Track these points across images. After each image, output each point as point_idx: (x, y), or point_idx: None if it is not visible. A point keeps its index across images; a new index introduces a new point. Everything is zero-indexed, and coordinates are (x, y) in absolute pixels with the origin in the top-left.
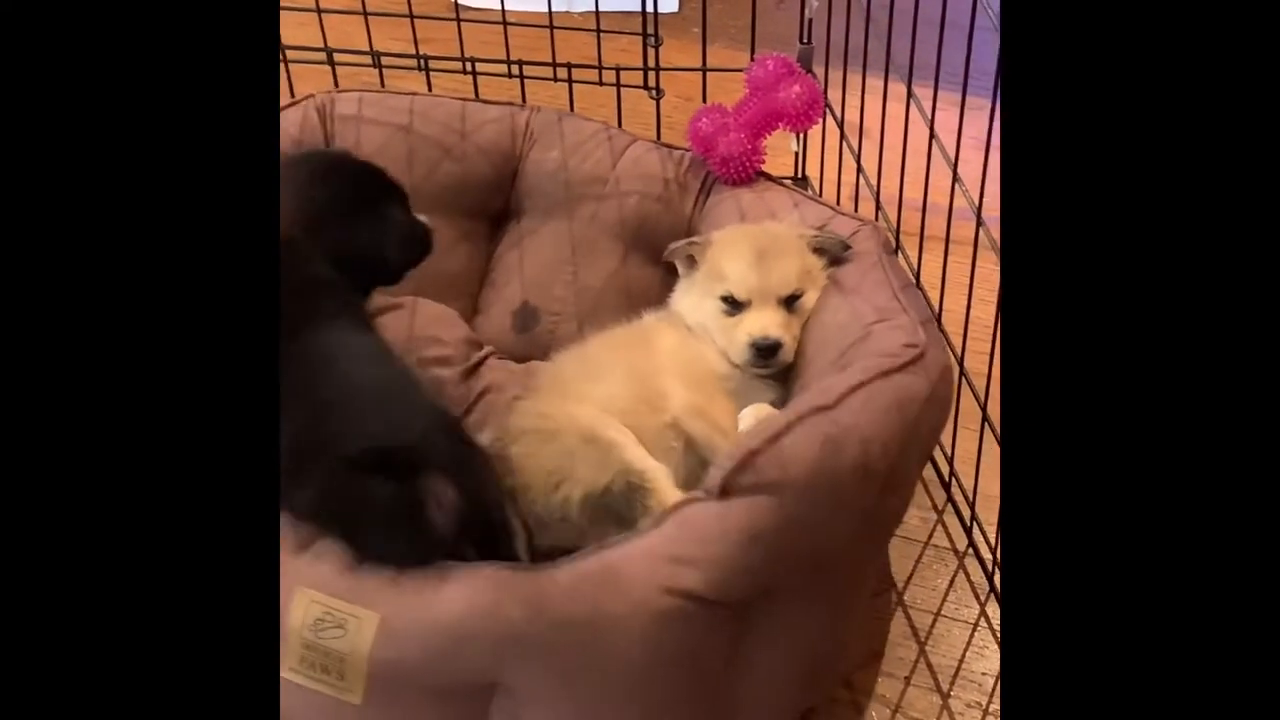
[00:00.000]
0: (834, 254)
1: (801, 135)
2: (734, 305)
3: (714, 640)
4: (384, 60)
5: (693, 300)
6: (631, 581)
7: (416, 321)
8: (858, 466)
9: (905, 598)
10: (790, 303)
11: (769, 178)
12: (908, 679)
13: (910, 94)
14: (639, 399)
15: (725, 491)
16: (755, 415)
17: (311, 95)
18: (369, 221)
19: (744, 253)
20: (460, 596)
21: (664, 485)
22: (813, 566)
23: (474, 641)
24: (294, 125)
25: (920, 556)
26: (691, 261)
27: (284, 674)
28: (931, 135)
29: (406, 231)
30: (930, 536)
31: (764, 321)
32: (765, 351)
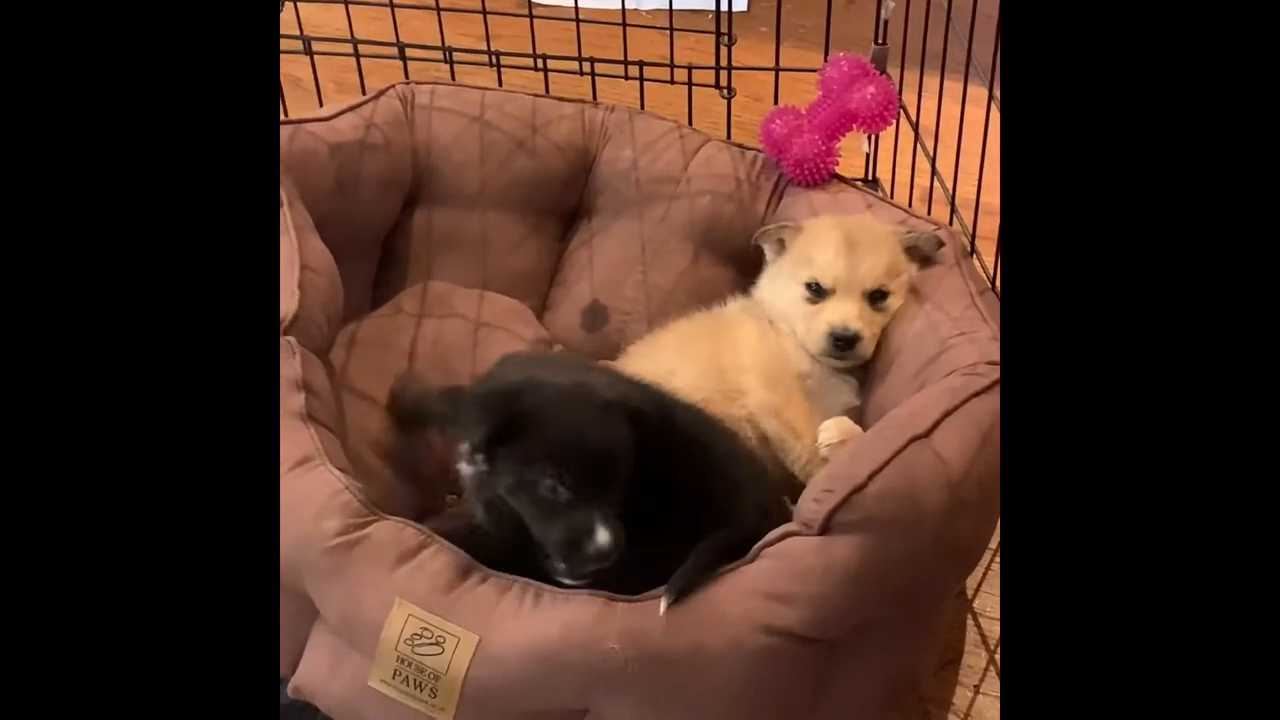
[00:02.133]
0: (926, 252)
1: (873, 137)
2: (817, 293)
3: (805, 674)
4: (455, 56)
5: (778, 286)
6: (729, 618)
7: (485, 311)
8: (955, 502)
9: (975, 605)
10: (875, 299)
11: (842, 179)
12: (977, 687)
13: (991, 96)
14: (716, 390)
15: (825, 528)
16: (839, 429)
17: (393, 86)
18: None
19: (834, 240)
20: (558, 624)
21: None
22: (906, 599)
23: (570, 670)
24: (379, 116)
25: (990, 564)
26: (780, 246)
27: (373, 684)
28: None
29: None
30: (999, 544)
31: (845, 312)
32: (843, 343)
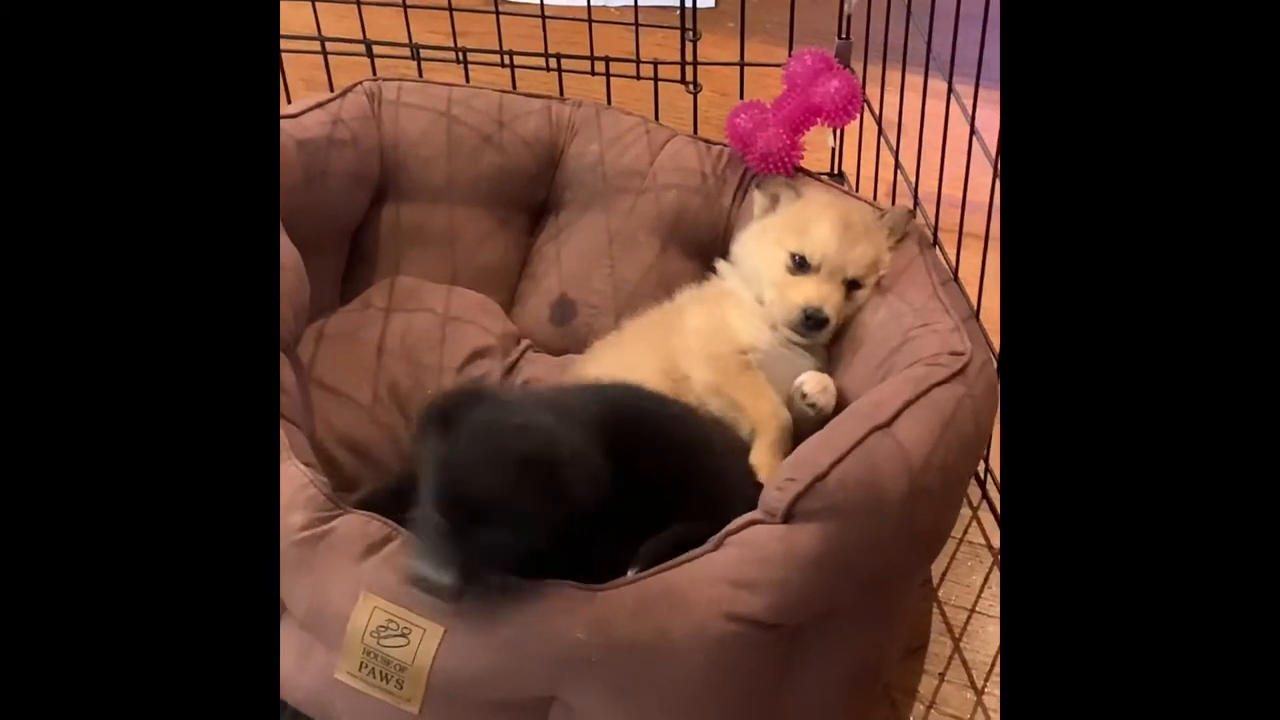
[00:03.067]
0: (901, 232)
1: (838, 131)
2: (801, 266)
3: (769, 661)
4: (422, 53)
5: (761, 246)
6: (693, 605)
7: (453, 305)
8: (917, 490)
9: (940, 594)
10: (850, 289)
11: (807, 173)
12: (942, 675)
13: (951, 89)
14: (670, 379)
15: (788, 516)
16: (817, 382)
17: (360, 82)
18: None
19: (832, 219)
20: (524, 614)
21: None
22: (869, 586)
23: (535, 659)
24: (346, 112)
25: (955, 553)
26: (774, 203)
27: (340, 677)
28: (972, 131)
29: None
30: (965, 533)
31: (823, 294)
32: (812, 323)
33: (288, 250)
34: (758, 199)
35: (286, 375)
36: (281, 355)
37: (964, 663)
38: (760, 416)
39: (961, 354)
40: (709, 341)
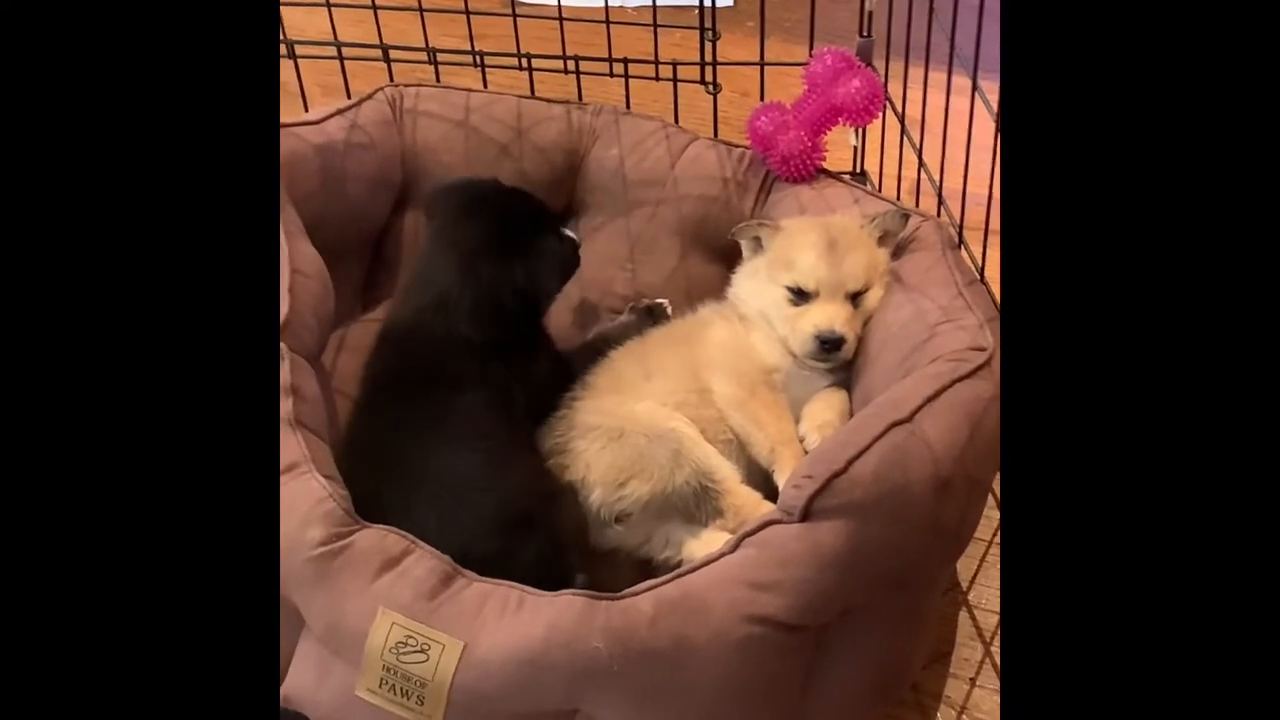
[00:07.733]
0: (896, 234)
1: (860, 130)
2: (800, 296)
3: (792, 663)
4: (439, 56)
5: (756, 286)
6: (713, 609)
7: None
8: (939, 485)
9: (970, 598)
10: (855, 298)
11: (829, 174)
12: (973, 680)
13: (975, 86)
14: (691, 391)
15: (806, 514)
16: (827, 401)
17: (381, 88)
18: (525, 259)
19: (815, 243)
20: (542, 625)
21: (734, 486)
22: (892, 585)
23: (556, 671)
24: (364, 117)
25: (984, 556)
26: (757, 244)
27: (360, 694)
28: (998, 128)
29: (559, 259)
30: (994, 535)
31: (830, 315)
32: (829, 345)
33: (312, 258)
34: (742, 245)
35: (310, 385)
36: (306, 364)
37: (994, 667)
38: (782, 438)
39: (983, 349)
40: (735, 358)
